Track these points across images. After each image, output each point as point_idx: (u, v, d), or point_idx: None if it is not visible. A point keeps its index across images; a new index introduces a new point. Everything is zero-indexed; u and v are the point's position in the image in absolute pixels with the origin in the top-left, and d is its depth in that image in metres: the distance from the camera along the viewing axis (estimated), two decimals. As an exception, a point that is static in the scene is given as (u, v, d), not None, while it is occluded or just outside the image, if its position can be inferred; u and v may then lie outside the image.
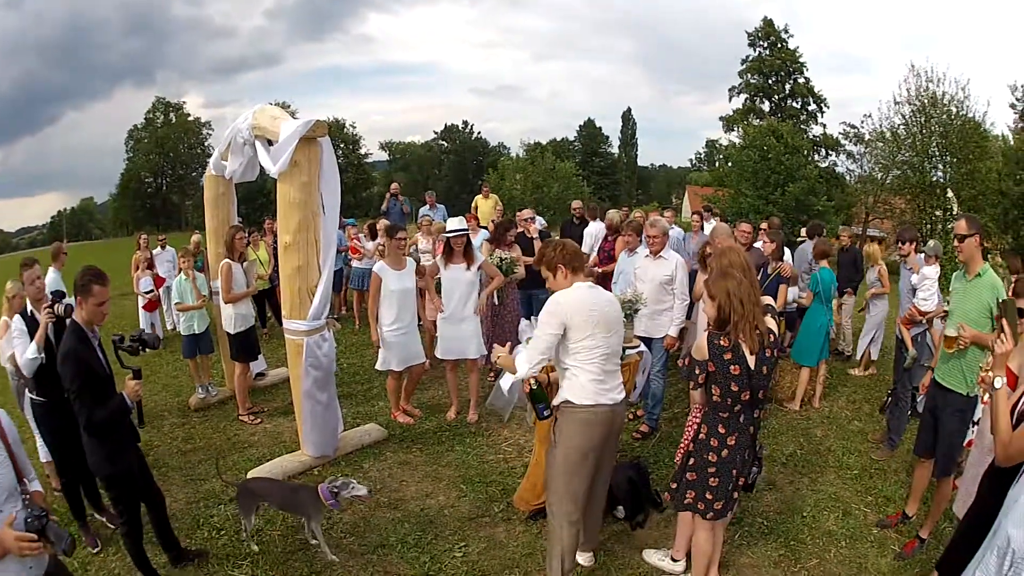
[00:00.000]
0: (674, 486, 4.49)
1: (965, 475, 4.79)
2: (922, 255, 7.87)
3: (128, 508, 4.76)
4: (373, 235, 12.06)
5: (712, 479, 4.20)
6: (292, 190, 5.96)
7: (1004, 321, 3.60)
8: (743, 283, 4.04)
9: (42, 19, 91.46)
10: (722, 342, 4.00)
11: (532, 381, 4.25)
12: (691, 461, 4.30)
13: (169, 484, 6.37)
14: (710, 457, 4.18)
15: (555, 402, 4.35)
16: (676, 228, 11.91)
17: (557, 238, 4.43)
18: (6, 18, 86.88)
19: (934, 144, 30.15)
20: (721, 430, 4.14)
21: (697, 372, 4.09)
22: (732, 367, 3.98)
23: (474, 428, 7.53)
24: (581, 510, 4.45)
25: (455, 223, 7.58)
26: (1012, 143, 28.83)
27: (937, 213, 30.66)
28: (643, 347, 6.55)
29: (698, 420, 4.63)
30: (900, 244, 8.43)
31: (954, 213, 29.20)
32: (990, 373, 3.58)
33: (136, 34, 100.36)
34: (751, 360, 4.02)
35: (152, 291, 11.30)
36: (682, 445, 5.27)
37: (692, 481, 4.28)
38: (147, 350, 5.03)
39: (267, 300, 11.67)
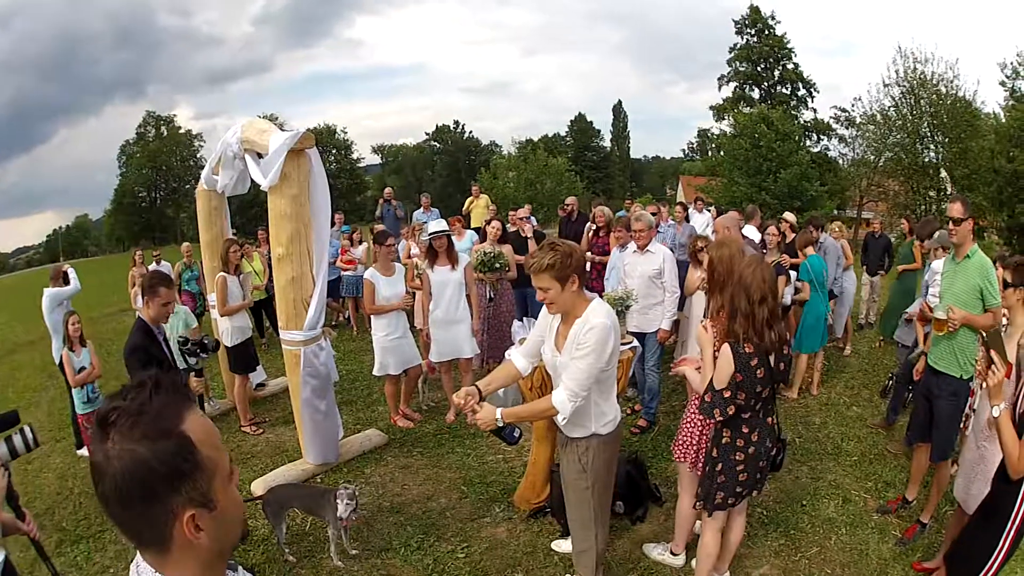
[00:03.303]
0: (701, 495, 4.36)
1: (963, 459, 4.80)
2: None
3: None
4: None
5: (742, 475, 4.15)
6: (283, 202, 5.98)
7: (993, 352, 3.60)
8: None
9: (30, 36, 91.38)
10: (746, 349, 3.89)
11: (500, 419, 3.70)
12: (719, 466, 4.19)
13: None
14: (737, 456, 4.10)
15: (579, 435, 3.96)
16: (670, 222, 11.94)
17: (555, 237, 4.21)
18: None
19: (925, 124, 30.15)
20: (745, 430, 4.06)
21: (728, 396, 3.88)
22: (758, 371, 3.88)
23: (473, 430, 7.41)
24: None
25: (436, 225, 7.69)
26: (1003, 120, 28.79)
27: (931, 194, 30.66)
28: (636, 343, 6.59)
29: (700, 417, 4.64)
30: (920, 242, 8.53)
31: (948, 193, 29.21)
32: (988, 369, 3.60)
33: (124, 47, 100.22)
34: (772, 359, 3.96)
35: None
36: (676, 442, 5.12)
37: (723, 483, 4.19)
38: (205, 354, 5.77)
39: (264, 310, 11.64)
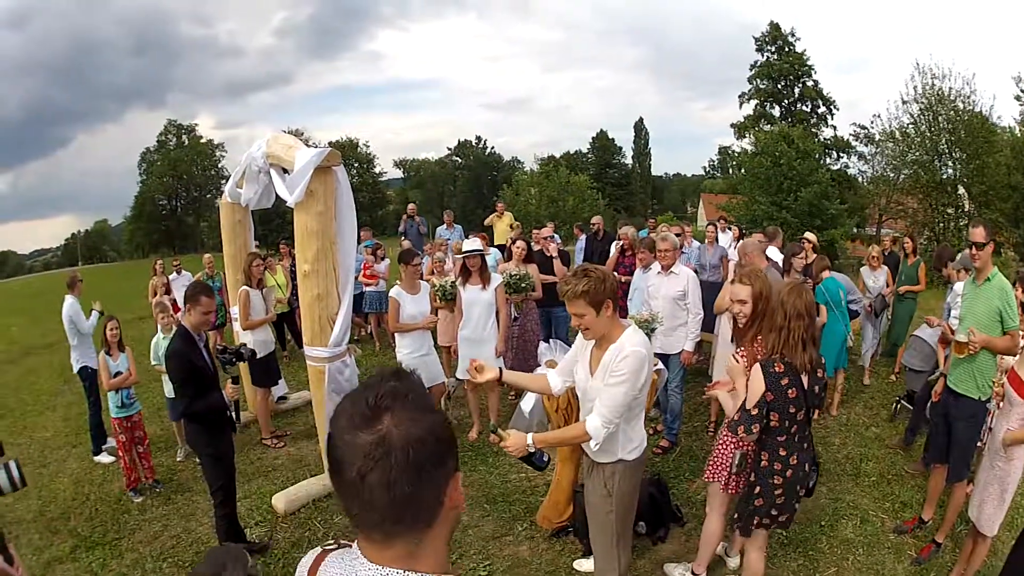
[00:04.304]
0: (736, 517, 4.41)
1: (978, 478, 4.82)
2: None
3: (224, 488, 5.36)
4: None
5: (779, 498, 4.16)
6: (309, 219, 6.02)
7: None
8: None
9: (48, 39, 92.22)
10: (777, 368, 3.95)
11: (531, 444, 3.70)
12: (756, 489, 4.21)
13: (194, 508, 6.54)
14: (775, 480, 4.12)
15: (605, 460, 3.97)
16: (695, 244, 11.93)
17: (585, 263, 4.22)
18: (11, 38, 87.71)
19: (943, 141, 30.13)
20: (782, 453, 4.08)
21: (755, 414, 3.95)
22: (789, 391, 3.92)
23: (496, 448, 7.47)
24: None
25: (470, 244, 7.71)
26: (1019, 135, 28.76)
27: (949, 211, 30.59)
28: (660, 365, 6.62)
29: (732, 439, 4.65)
30: (939, 270, 8.51)
31: (966, 210, 29.15)
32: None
33: (143, 55, 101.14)
34: (805, 380, 3.99)
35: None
36: (710, 462, 5.03)
37: (759, 507, 4.20)
38: (242, 362, 5.86)
39: (286, 323, 11.70)
